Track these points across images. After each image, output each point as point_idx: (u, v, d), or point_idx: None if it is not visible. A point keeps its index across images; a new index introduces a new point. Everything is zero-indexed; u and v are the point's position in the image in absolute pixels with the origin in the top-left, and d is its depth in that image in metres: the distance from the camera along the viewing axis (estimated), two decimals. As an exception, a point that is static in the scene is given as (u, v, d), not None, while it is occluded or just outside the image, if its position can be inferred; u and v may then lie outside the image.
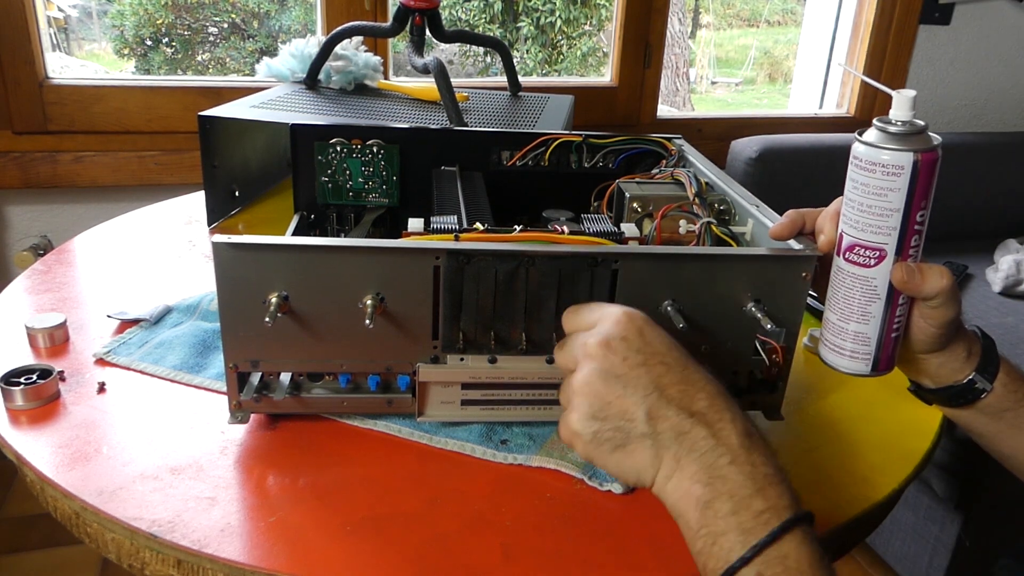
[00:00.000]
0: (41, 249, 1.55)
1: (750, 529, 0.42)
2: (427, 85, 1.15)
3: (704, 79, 3.85)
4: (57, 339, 0.70)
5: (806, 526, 0.42)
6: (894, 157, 0.50)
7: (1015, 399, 0.58)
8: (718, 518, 0.43)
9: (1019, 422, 0.59)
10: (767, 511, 0.42)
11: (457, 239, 0.57)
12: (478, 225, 0.60)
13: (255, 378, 0.59)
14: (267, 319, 0.53)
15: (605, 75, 1.88)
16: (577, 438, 0.48)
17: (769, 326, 0.55)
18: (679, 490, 0.45)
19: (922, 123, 0.51)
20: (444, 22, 1.21)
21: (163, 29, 1.86)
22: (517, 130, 0.87)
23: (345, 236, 0.77)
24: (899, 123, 0.51)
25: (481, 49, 2.30)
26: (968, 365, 0.58)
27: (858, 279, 0.54)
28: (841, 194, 0.55)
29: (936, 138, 0.51)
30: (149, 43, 1.87)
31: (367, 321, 0.53)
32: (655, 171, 0.79)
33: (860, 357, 0.56)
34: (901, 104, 0.51)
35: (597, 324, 0.49)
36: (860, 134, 0.52)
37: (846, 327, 0.56)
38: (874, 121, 0.52)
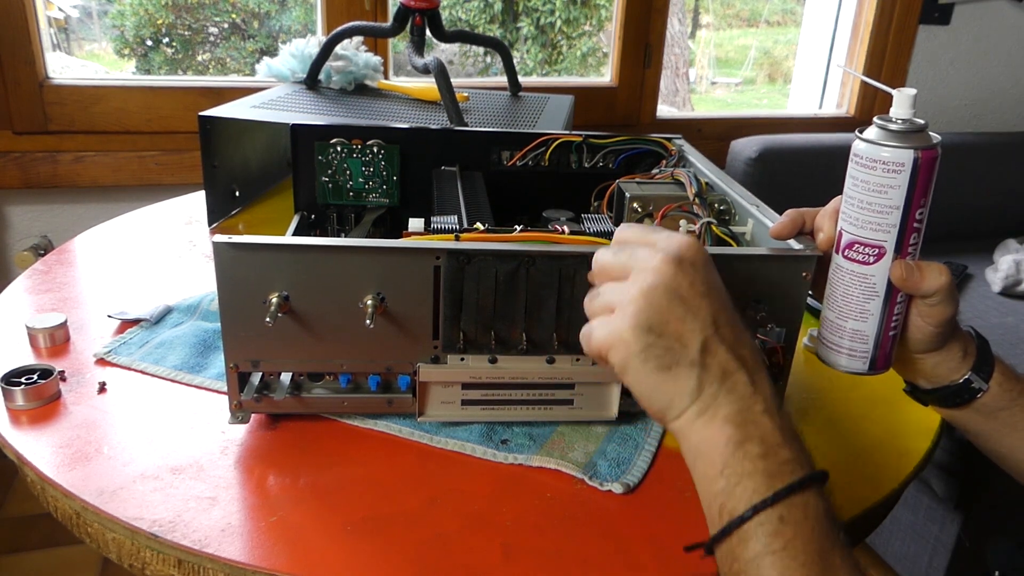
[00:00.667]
0: (41, 249, 1.55)
1: (776, 474, 0.42)
2: (427, 85, 1.15)
3: (704, 79, 3.85)
4: (58, 339, 0.70)
5: (823, 485, 0.43)
6: (894, 154, 0.50)
7: (1010, 398, 0.58)
8: (747, 459, 0.42)
9: (1014, 421, 0.59)
10: (792, 461, 0.42)
11: (457, 239, 0.57)
12: (478, 225, 0.60)
13: (256, 378, 0.59)
14: (267, 319, 0.53)
15: (605, 75, 1.88)
16: (624, 345, 0.45)
17: (769, 326, 0.55)
18: (709, 427, 0.44)
19: (922, 121, 0.51)
20: (444, 22, 1.21)
21: (163, 29, 1.85)
22: (517, 130, 0.88)
23: (345, 236, 0.77)
24: (900, 121, 0.51)
25: (481, 49, 2.30)
26: (964, 365, 0.58)
27: (857, 276, 0.54)
28: (841, 193, 0.55)
29: (936, 137, 0.51)
30: (149, 43, 1.87)
31: (367, 321, 0.53)
32: (655, 171, 0.79)
33: (857, 355, 0.56)
34: (902, 102, 0.51)
35: (663, 241, 0.47)
36: (861, 132, 0.52)
37: (844, 325, 0.56)
38: (875, 119, 0.52)
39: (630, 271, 0.46)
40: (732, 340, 0.45)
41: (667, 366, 0.45)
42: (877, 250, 0.53)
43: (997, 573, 0.65)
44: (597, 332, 0.46)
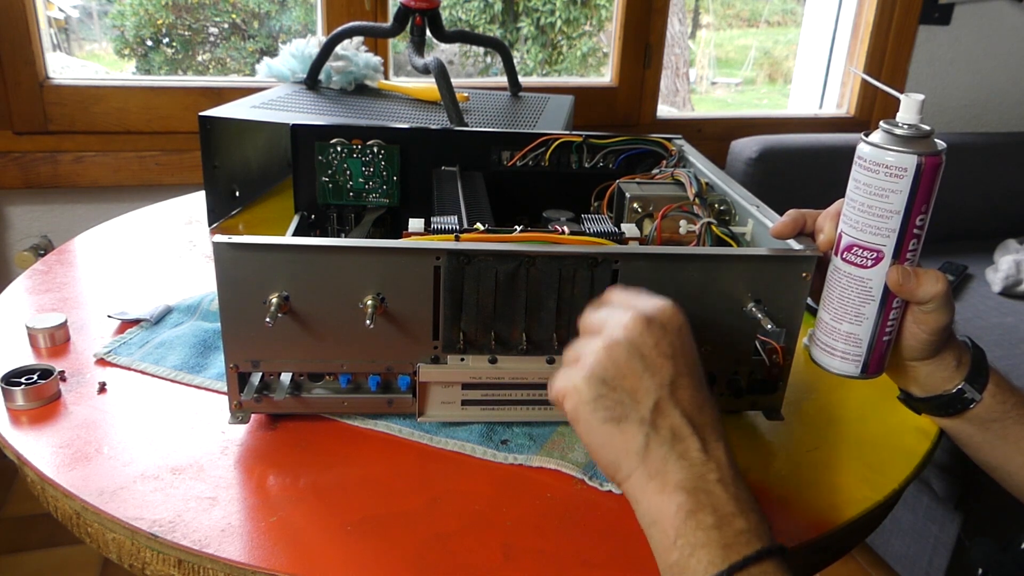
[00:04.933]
0: (42, 249, 1.55)
1: (731, 545, 0.41)
2: (427, 85, 1.15)
3: (704, 79, 3.85)
4: (58, 339, 0.70)
5: (782, 559, 0.42)
6: (898, 159, 0.50)
7: (1003, 410, 0.59)
8: (699, 529, 0.42)
9: (1006, 433, 0.59)
10: (748, 532, 0.42)
11: (457, 239, 0.57)
12: (478, 225, 0.60)
13: (256, 378, 0.59)
14: (268, 319, 0.53)
15: (605, 75, 1.88)
16: (576, 393, 0.46)
17: (769, 326, 0.55)
18: (660, 493, 0.43)
19: (928, 127, 0.51)
20: (444, 22, 1.21)
21: (163, 29, 1.85)
22: (517, 130, 0.88)
23: (345, 236, 0.77)
24: (905, 126, 0.51)
25: (481, 49, 2.30)
26: (958, 374, 0.58)
27: (854, 279, 0.54)
28: (841, 194, 0.55)
29: (941, 144, 0.51)
30: (150, 43, 1.87)
31: (367, 321, 0.53)
32: (655, 171, 0.79)
33: (851, 358, 0.56)
34: (908, 107, 0.51)
35: (642, 304, 0.48)
36: (866, 135, 0.52)
37: (839, 327, 0.56)
38: (881, 123, 0.52)
39: (604, 327, 0.47)
40: (688, 405, 0.45)
41: (615, 419, 0.45)
42: (875, 254, 0.53)
43: (981, 571, 0.65)
44: (557, 380, 0.48)
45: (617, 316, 0.47)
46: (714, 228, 0.64)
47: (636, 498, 0.45)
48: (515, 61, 1.32)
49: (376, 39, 1.58)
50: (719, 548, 0.41)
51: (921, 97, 0.51)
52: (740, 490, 0.43)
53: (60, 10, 1.78)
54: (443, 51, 2.23)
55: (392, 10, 1.61)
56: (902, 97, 0.51)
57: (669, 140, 0.83)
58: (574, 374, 0.46)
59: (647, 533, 0.45)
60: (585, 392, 0.45)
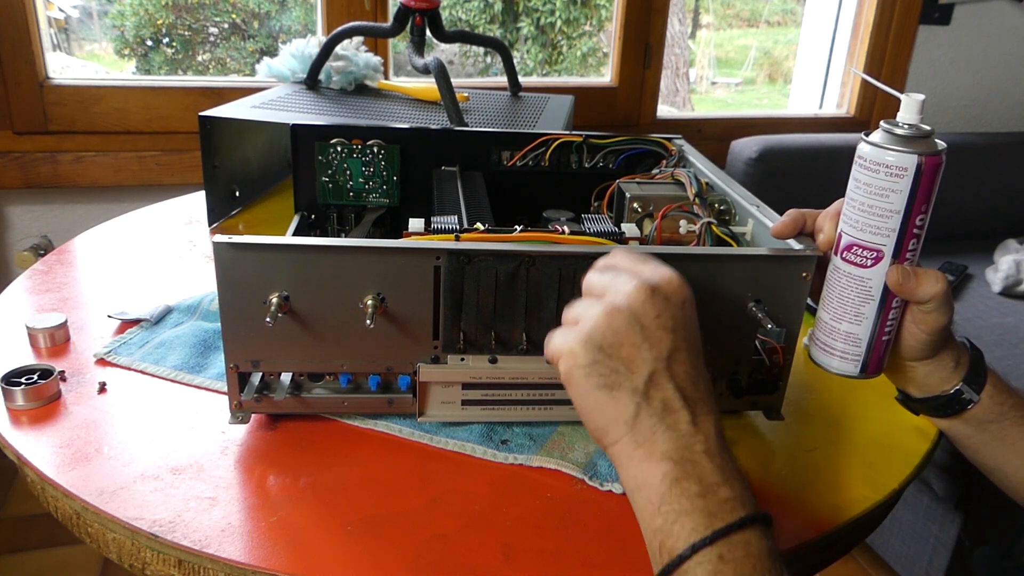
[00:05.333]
0: (42, 249, 1.55)
1: (715, 512, 0.41)
2: (427, 85, 1.15)
3: (704, 79, 3.85)
4: (58, 339, 0.70)
5: (767, 526, 0.42)
6: (898, 159, 0.50)
7: (1001, 411, 0.59)
8: (684, 497, 0.42)
9: (1003, 434, 0.59)
10: (733, 500, 0.42)
11: (458, 239, 0.57)
12: (479, 225, 0.60)
13: (256, 378, 0.59)
14: (268, 319, 0.53)
15: (605, 75, 1.88)
16: (571, 356, 0.46)
17: (769, 326, 0.55)
18: (647, 460, 0.44)
19: (928, 127, 0.51)
20: (444, 22, 1.21)
21: (163, 29, 1.85)
22: (517, 130, 0.88)
23: (346, 236, 0.77)
24: (906, 126, 0.51)
25: (481, 49, 2.30)
26: (956, 375, 0.58)
27: (854, 279, 0.54)
28: (841, 194, 0.55)
29: (941, 144, 0.51)
30: (149, 43, 1.87)
31: (368, 321, 0.53)
32: (655, 171, 0.79)
33: (849, 358, 0.56)
34: (909, 107, 0.51)
35: (647, 271, 0.47)
36: (866, 135, 0.52)
37: (838, 327, 0.56)
38: (881, 123, 0.52)
39: (607, 292, 0.47)
40: (683, 379, 0.45)
41: (608, 386, 0.45)
42: (875, 254, 0.53)
43: None
44: (555, 340, 0.47)
45: (622, 282, 0.46)
46: (714, 228, 0.64)
47: (622, 463, 0.45)
48: (515, 61, 1.32)
49: (376, 39, 1.58)
50: (703, 515, 0.41)
51: (921, 97, 0.51)
52: (726, 461, 0.44)
53: (60, 10, 1.78)
54: (443, 51, 2.23)
55: (392, 10, 1.61)
56: (902, 97, 0.51)
57: (669, 140, 0.83)
58: (572, 336, 0.46)
59: (631, 497, 0.45)
60: (581, 356, 0.45)
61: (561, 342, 0.47)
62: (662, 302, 0.46)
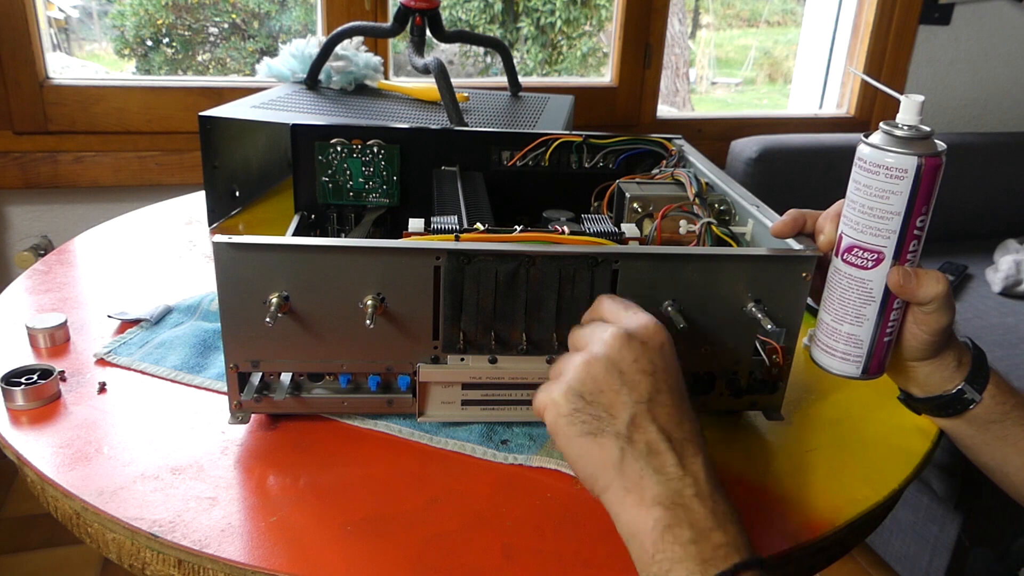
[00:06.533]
0: (42, 249, 1.55)
1: (709, 560, 0.41)
2: (427, 85, 1.15)
3: (704, 79, 3.84)
4: (58, 339, 0.70)
5: (760, 570, 0.42)
6: (898, 160, 0.50)
7: (1002, 411, 0.59)
8: (677, 544, 0.42)
9: (1005, 434, 0.59)
10: (726, 545, 0.42)
11: (458, 239, 0.57)
12: (478, 225, 0.60)
13: (256, 378, 0.59)
14: (268, 319, 0.53)
15: (605, 75, 1.88)
16: (554, 407, 0.47)
17: (769, 326, 0.55)
18: (638, 507, 0.44)
19: (928, 129, 0.51)
20: (444, 22, 1.21)
21: (163, 29, 1.85)
22: (517, 130, 0.88)
23: (345, 236, 0.77)
24: (905, 127, 0.51)
25: (481, 49, 2.30)
26: (958, 375, 0.58)
27: (854, 281, 0.54)
28: (841, 195, 0.55)
29: (941, 145, 0.51)
30: (149, 43, 1.87)
31: (367, 321, 0.53)
32: (655, 171, 0.79)
33: (851, 359, 0.56)
34: (908, 108, 0.51)
35: (626, 319, 0.48)
36: (866, 136, 0.52)
37: (839, 328, 0.56)
38: (881, 124, 0.52)
39: (587, 344, 0.48)
40: (665, 420, 0.45)
41: (592, 432, 0.45)
42: (876, 255, 0.53)
43: None
44: (539, 395, 0.49)
45: (599, 332, 0.48)
46: (714, 228, 0.64)
47: (615, 511, 0.45)
48: (515, 61, 1.32)
49: (376, 39, 1.58)
50: (697, 563, 0.41)
51: (921, 98, 0.51)
52: (718, 503, 0.43)
53: (60, 10, 1.78)
54: (443, 51, 2.23)
55: (392, 10, 1.61)
56: (902, 98, 0.51)
57: (669, 140, 0.83)
58: (554, 388, 0.47)
59: (627, 546, 0.45)
60: (563, 405, 0.46)
61: (544, 395, 0.48)
62: (639, 347, 0.47)
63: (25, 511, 1.57)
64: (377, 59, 1.25)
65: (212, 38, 1.90)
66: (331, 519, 0.51)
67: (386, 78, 1.49)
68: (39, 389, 0.61)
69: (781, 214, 0.60)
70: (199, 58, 1.93)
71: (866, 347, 0.56)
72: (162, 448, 0.57)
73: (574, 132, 0.82)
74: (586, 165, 0.82)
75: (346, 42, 1.20)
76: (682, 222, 0.67)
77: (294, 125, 0.77)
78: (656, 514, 0.43)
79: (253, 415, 0.60)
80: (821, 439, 0.63)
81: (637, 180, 0.75)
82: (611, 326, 0.48)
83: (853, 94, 2.01)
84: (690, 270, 0.56)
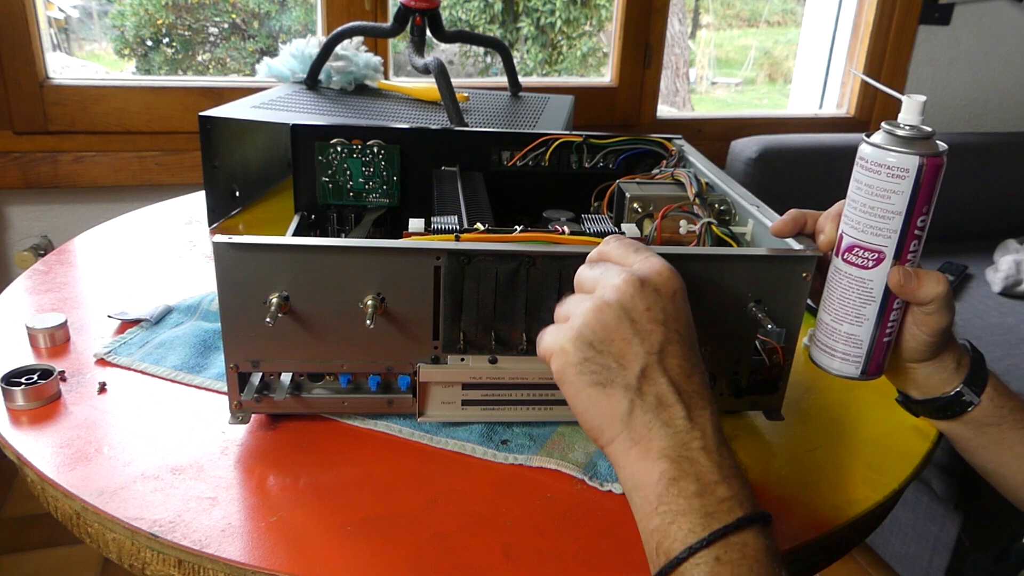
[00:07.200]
0: (41, 249, 1.55)
1: (712, 513, 0.41)
2: (427, 85, 1.15)
3: (704, 79, 3.85)
4: (58, 339, 0.70)
5: (765, 525, 0.42)
6: (900, 160, 0.50)
7: (1001, 414, 0.59)
8: (681, 497, 0.41)
9: (1002, 437, 0.59)
10: (730, 499, 0.41)
11: (458, 239, 0.57)
12: (479, 225, 0.60)
13: (256, 378, 0.59)
14: (268, 319, 0.53)
15: (605, 75, 1.88)
16: (563, 355, 0.45)
17: (769, 326, 0.55)
18: (644, 459, 0.43)
19: (929, 129, 0.51)
20: (444, 22, 1.21)
21: (163, 29, 1.85)
22: (517, 130, 0.88)
23: (346, 236, 0.77)
24: (907, 127, 0.51)
25: (481, 49, 2.30)
26: (957, 377, 0.58)
27: (855, 280, 0.54)
28: (841, 195, 0.55)
29: (943, 145, 0.51)
30: (149, 43, 1.87)
31: (368, 321, 0.53)
32: (655, 171, 0.79)
33: (851, 360, 0.56)
34: (910, 108, 0.51)
35: (638, 263, 0.47)
36: (868, 136, 0.52)
37: (839, 328, 0.56)
38: (882, 124, 0.52)
39: (597, 287, 0.46)
40: (676, 372, 0.44)
41: (601, 383, 0.44)
42: (877, 255, 0.53)
43: None
44: (546, 338, 0.47)
45: (611, 276, 0.46)
46: (714, 228, 0.64)
47: (619, 462, 0.44)
48: (515, 61, 1.32)
49: (376, 39, 1.58)
50: (700, 516, 0.41)
51: (923, 98, 0.51)
52: (724, 457, 0.43)
53: (60, 10, 1.78)
54: (443, 51, 2.23)
55: (392, 10, 1.61)
56: (904, 98, 0.51)
57: (669, 140, 0.83)
58: (562, 334, 0.45)
59: (629, 497, 0.44)
60: (572, 354, 0.45)
61: (552, 340, 0.46)
62: (652, 294, 0.45)
63: (25, 511, 1.57)
64: (377, 59, 1.25)
65: (212, 38, 1.91)
66: (331, 519, 0.51)
67: (386, 78, 1.49)
68: (39, 389, 0.61)
69: (781, 214, 0.60)
70: (199, 58, 1.93)
71: (865, 347, 0.56)
72: (162, 448, 0.57)
73: (574, 132, 0.82)
74: (586, 165, 0.82)
75: (346, 42, 1.20)
76: (682, 222, 0.67)
77: (294, 125, 0.77)
78: (662, 466, 0.42)
79: (253, 415, 0.60)
80: (821, 439, 0.63)
81: (637, 180, 0.75)
82: (623, 270, 0.46)
83: (853, 94, 2.01)
84: (690, 270, 0.55)
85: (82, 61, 1.88)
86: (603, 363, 0.44)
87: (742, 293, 0.57)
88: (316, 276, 0.54)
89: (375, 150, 0.77)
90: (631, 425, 0.44)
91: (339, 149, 0.76)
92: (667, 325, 0.45)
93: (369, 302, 0.54)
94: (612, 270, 0.46)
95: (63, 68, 1.63)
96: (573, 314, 0.46)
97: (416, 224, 0.61)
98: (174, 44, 1.89)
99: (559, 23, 2.37)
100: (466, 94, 1.21)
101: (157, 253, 0.93)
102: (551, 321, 0.56)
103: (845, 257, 0.54)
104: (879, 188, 0.51)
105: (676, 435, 0.43)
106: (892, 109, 1.96)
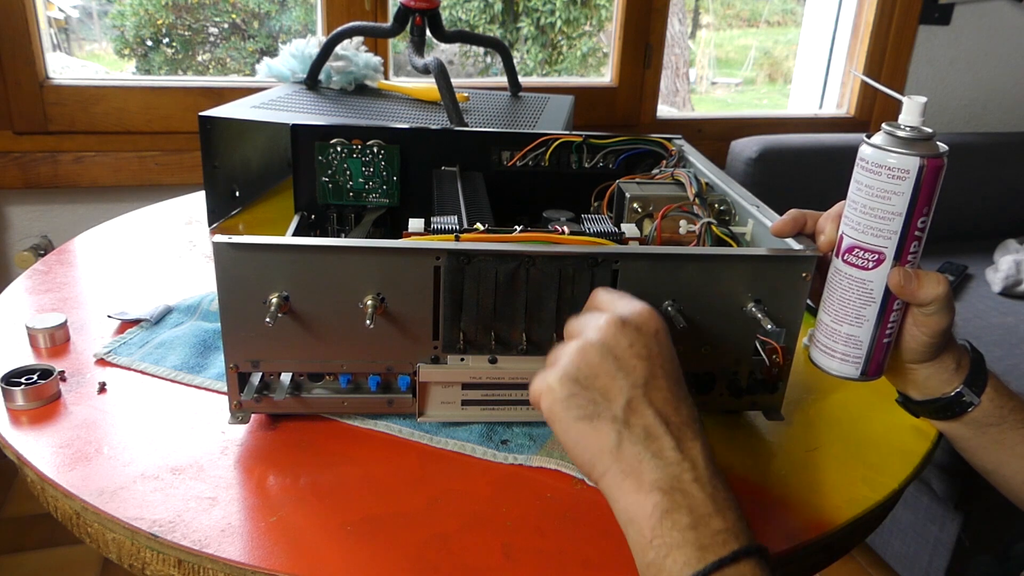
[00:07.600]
0: (42, 249, 1.55)
1: (707, 546, 0.41)
2: (427, 85, 1.15)
3: (704, 79, 3.85)
4: (58, 339, 0.70)
5: (761, 558, 0.41)
6: (900, 161, 0.50)
7: (1000, 414, 0.59)
8: (675, 530, 0.41)
9: (1003, 437, 0.59)
10: (725, 532, 0.41)
11: (458, 239, 0.57)
12: (478, 225, 0.60)
13: (256, 378, 0.59)
14: (268, 319, 0.53)
15: (605, 75, 1.88)
16: (550, 393, 0.46)
17: (769, 326, 0.55)
18: (637, 492, 0.43)
19: (930, 130, 0.51)
20: (444, 22, 1.21)
21: (163, 29, 1.85)
22: (517, 130, 0.88)
23: (345, 236, 0.77)
24: (907, 128, 0.51)
25: (481, 49, 2.30)
26: (957, 377, 0.58)
27: (855, 281, 0.54)
28: (841, 195, 0.55)
29: (943, 147, 0.51)
30: (149, 43, 1.87)
31: (368, 321, 0.53)
32: (655, 171, 0.79)
33: (850, 360, 0.56)
34: (911, 110, 0.51)
35: (620, 307, 0.48)
36: (868, 137, 0.52)
37: (839, 329, 0.56)
38: (883, 125, 0.52)
39: (582, 331, 0.48)
40: (663, 405, 0.45)
41: (588, 416, 0.45)
42: (877, 256, 0.53)
43: None
44: (534, 383, 0.48)
45: (594, 319, 0.48)
46: (714, 228, 0.64)
47: (613, 496, 0.45)
48: (515, 61, 1.32)
49: (376, 39, 1.58)
50: (695, 549, 0.41)
51: (923, 99, 0.51)
52: (717, 489, 0.43)
53: (60, 10, 1.78)
54: (443, 51, 2.23)
55: (392, 10, 1.61)
56: (904, 99, 0.51)
57: (669, 140, 0.83)
58: (549, 375, 0.47)
59: (624, 531, 0.44)
60: (558, 391, 0.46)
61: (540, 382, 0.48)
62: (633, 332, 0.46)
63: (25, 511, 1.57)
64: (377, 59, 1.25)
65: (212, 38, 1.91)
66: (331, 519, 0.51)
67: (386, 78, 1.49)
68: (39, 389, 0.61)
69: (781, 214, 0.60)
70: (199, 58, 1.93)
71: (865, 348, 0.56)
72: (162, 448, 0.57)
73: (574, 132, 0.82)
74: (586, 165, 0.82)
75: (346, 42, 1.20)
76: (682, 222, 0.67)
77: (294, 125, 0.77)
78: (655, 499, 0.42)
79: (253, 415, 0.60)
80: (821, 439, 0.63)
81: (637, 180, 0.75)
82: (605, 313, 0.48)
83: (853, 94, 2.01)
84: (690, 270, 0.56)
85: (82, 61, 1.88)
86: (589, 397, 0.45)
87: (742, 293, 0.57)
88: (316, 276, 0.54)
89: (375, 150, 0.77)
90: (620, 457, 0.44)
91: (339, 149, 0.76)
92: (651, 360, 0.46)
93: (369, 302, 0.54)
94: (595, 314, 0.48)
95: (63, 68, 1.63)
96: (559, 356, 0.48)
97: (416, 224, 0.61)
98: (174, 44, 1.89)
99: (559, 23, 2.37)
100: (466, 94, 1.21)
101: (157, 253, 0.93)
102: (551, 321, 0.57)
103: (845, 258, 0.54)
104: (879, 189, 0.51)
105: (667, 467, 0.43)
106: (892, 109, 1.96)
